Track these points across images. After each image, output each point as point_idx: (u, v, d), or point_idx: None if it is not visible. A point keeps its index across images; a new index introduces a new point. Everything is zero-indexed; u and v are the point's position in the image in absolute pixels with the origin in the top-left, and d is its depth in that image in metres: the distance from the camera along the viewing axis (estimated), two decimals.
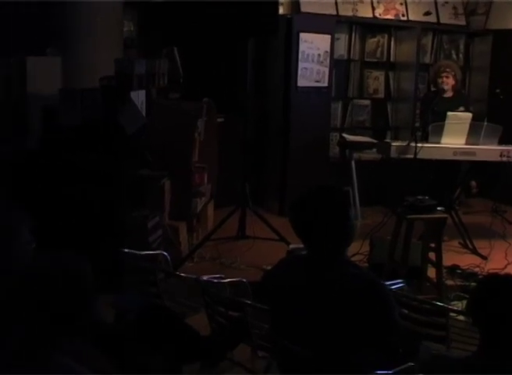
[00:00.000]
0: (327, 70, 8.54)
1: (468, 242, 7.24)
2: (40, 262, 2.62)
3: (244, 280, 4.55)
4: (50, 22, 6.93)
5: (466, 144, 6.99)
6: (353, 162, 8.24)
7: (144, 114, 6.61)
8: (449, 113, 6.92)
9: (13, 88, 6.41)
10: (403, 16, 9.04)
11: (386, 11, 8.98)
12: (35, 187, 5.71)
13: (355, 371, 3.00)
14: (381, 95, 9.39)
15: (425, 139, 6.97)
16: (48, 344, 2.46)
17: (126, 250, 4.79)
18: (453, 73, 7.37)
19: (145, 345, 3.71)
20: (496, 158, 6.97)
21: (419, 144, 6.65)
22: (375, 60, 9.29)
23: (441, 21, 9.20)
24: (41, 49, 6.79)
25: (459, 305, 5.52)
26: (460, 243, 7.31)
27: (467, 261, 6.71)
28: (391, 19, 9.04)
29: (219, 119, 8.11)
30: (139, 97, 6.61)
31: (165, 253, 5.16)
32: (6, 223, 3.18)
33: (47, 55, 6.82)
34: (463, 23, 9.37)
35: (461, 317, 4.46)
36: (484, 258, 6.85)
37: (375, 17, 8.96)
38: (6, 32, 6.69)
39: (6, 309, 2.60)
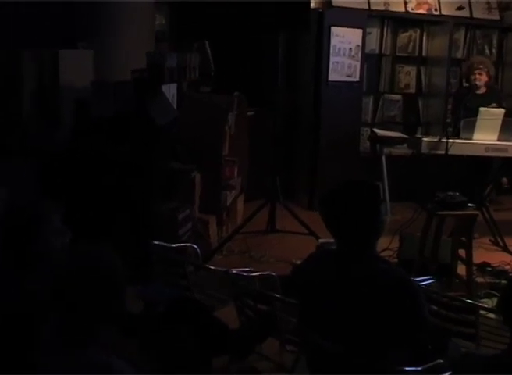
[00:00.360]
0: (358, 65, 8.52)
1: (499, 239, 7.18)
2: (73, 255, 2.64)
3: (273, 273, 4.56)
4: (82, 15, 6.97)
5: (498, 140, 6.92)
6: (383, 158, 8.21)
7: (175, 107, 6.64)
8: (481, 109, 6.85)
9: (45, 80, 6.46)
10: (435, 10, 8.96)
11: (418, 5, 8.91)
12: (67, 178, 5.75)
13: (383, 367, 2.99)
14: (412, 90, 9.34)
15: (457, 135, 6.91)
16: (85, 337, 2.49)
17: (156, 242, 4.82)
18: (486, 70, 7.30)
19: (174, 337, 3.73)
20: None
21: (450, 140, 6.59)
22: (407, 55, 9.24)
23: (474, 16, 9.10)
24: (73, 43, 6.83)
25: (489, 302, 5.48)
26: (490, 240, 7.26)
27: (497, 258, 6.65)
28: (423, 14, 8.96)
29: (250, 113, 8.13)
30: (170, 90, 6.63)
31: (195, 246, 5.18)
32: (35, 211, 3.21)
33: (78, 49, 6.86)
34: (496, 17, 9.26)
35: (491, 315, 4.45)
36: None
37: (407, 12, 8.89)
38: (39, 25, 6.74)
39: (42, 300, 2.63)
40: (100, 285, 2.49)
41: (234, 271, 4.50)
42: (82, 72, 6.52)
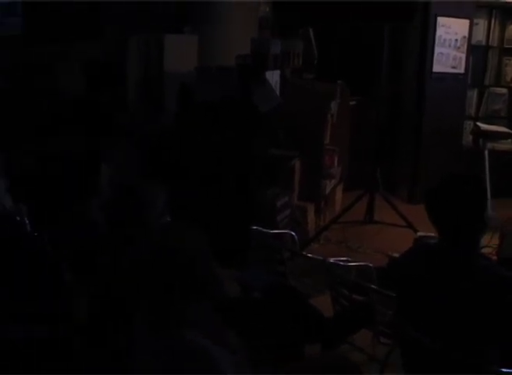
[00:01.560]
0: (464, 56, 8.36)
1: None
2: (165, 237, 2.66)
3: (370, 264, 4.53)
4: (187, 1, 7.07)
5: None
6: (486, 152, 8.03)
7: (278, 94, 6.66)
8: None
9: (151, 65, 6.57)
10: None
11: None
12: (171, 163, 5.85)
13: (480, 365, 2.95)
14: None
15: None
16: (177, 318, 2.52)
17: (255, 227, 4.86)
18: None
19: (269, 322, 3.77)
20: None
21: None
22: None
23: None
24: (179, 27, 6.93)
25: None
26: None
27: None
28: None
29: (352, 102, 8.09)
30: (273, 76, 6.66)
31: (293, 233, 5.20)
32: (141, 197, 3.28)
33: (184, 34, 6.95)
34: None
35: None
36: None
37: None
38: (145, 10, 6.86)
39: (135, 283, 2.67)
40: (185, 266, 2.49)
41: (331, 260, 4.49)
42: (186, 57, 6.61)
